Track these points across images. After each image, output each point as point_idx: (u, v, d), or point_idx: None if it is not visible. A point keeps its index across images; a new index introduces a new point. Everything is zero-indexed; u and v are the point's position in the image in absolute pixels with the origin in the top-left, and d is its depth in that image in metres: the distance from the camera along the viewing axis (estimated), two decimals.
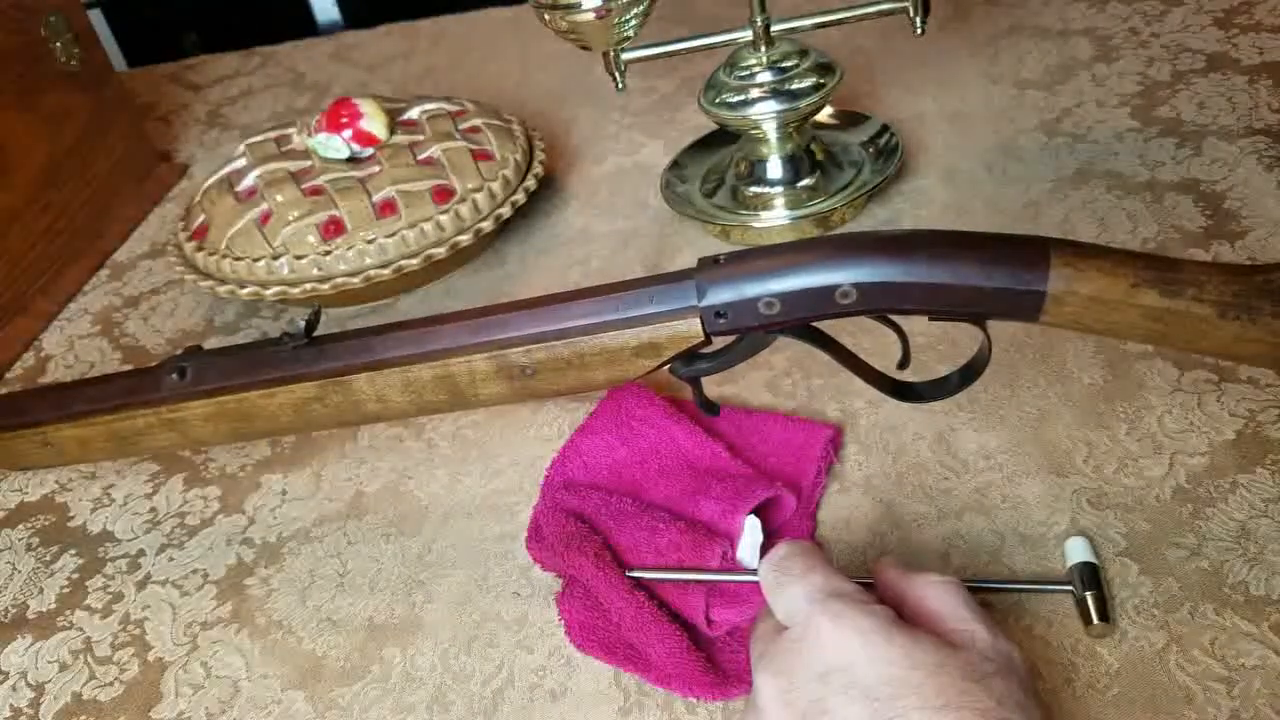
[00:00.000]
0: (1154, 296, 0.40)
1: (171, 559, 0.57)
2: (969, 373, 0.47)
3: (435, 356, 0.47)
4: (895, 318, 0.44)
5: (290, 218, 0.69)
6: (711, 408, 0.49)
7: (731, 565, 0.46)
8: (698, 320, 0.44)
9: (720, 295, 0.43)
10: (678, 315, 0.44)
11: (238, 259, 0.69)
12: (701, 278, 0.44)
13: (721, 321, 0.44)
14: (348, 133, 0.72)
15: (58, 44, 0.85)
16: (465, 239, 0.70)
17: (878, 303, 0.42)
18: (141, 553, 0.57)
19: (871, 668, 0.34)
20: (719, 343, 0.46)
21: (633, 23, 0.64)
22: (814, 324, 0.45)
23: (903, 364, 0.46)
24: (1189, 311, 0.40)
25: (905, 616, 0.37)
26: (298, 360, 0.50)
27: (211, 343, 0.73)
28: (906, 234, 0.42)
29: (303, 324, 0.50)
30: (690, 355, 0.46)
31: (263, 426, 0.51)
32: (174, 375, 0.51)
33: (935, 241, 0.41)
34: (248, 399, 0.50)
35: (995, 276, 0.41)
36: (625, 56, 0.68)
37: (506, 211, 0.72)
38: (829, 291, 0.42)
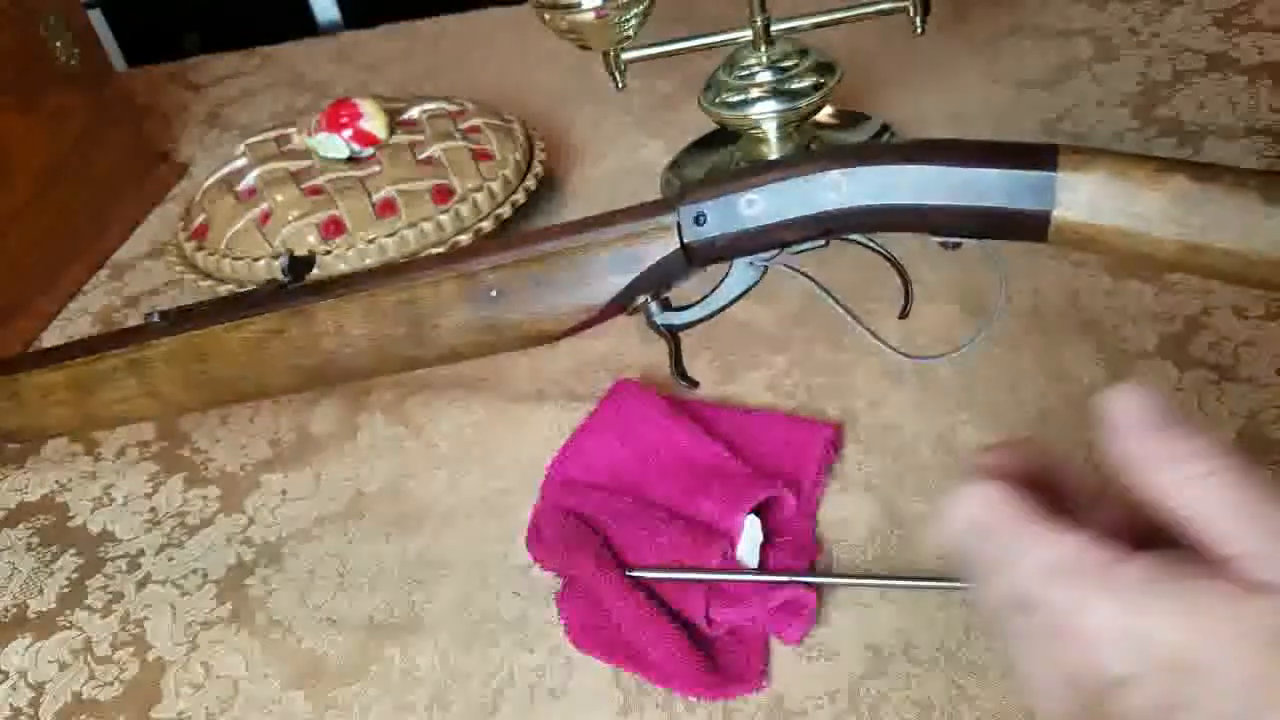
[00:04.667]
0: (1183, 180, 0.34)
1: (171, 559, 0.57)
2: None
3: (402, 281, 0.46)
4: (896, 256, 0.41)
5: (290, 217, 0.69)
6: (688, 379, 0.46)
7: (731, 565, 0.46)
8: (675, 225, 0.42)
9: (699, 200, 0.41)
10: (654, 223, 0.42)
11: (238, 259, 0.69)
12: (681, 192, 0.42)
13: (701, 228, 0.41)
14: (348, 133, 0.72)
15: (57, 44, 0.85)
16: (465, 239, 0.70)
17: (868, 197, 0.38)
18: (141, 552, 0.57)
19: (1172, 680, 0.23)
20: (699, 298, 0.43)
21: (633, 22, 0.64)
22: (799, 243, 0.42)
23: (904, 311, 0.43)
24: (1228, 200, 0.33)
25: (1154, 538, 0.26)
26: (275, 299, 0.48)
27: None
28: (900, 143, 0.40)
29: (287, 261, 0.49)
30: (666, 286, 0.43)
31: (219, 370, 0.49)
32: (155, 317, 0.51)
33: (931, 143, 0.38)
34: (211, 334, 0.49)
35: (998, 163, 0.36)
36: (625, 56, 0.68)
37: (506, 211, 0.72)
38: (816, 184, 0.39)
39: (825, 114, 0.76)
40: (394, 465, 0.59)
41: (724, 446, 0.52)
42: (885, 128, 0.74)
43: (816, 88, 0.67)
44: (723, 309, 0.43)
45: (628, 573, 0.47)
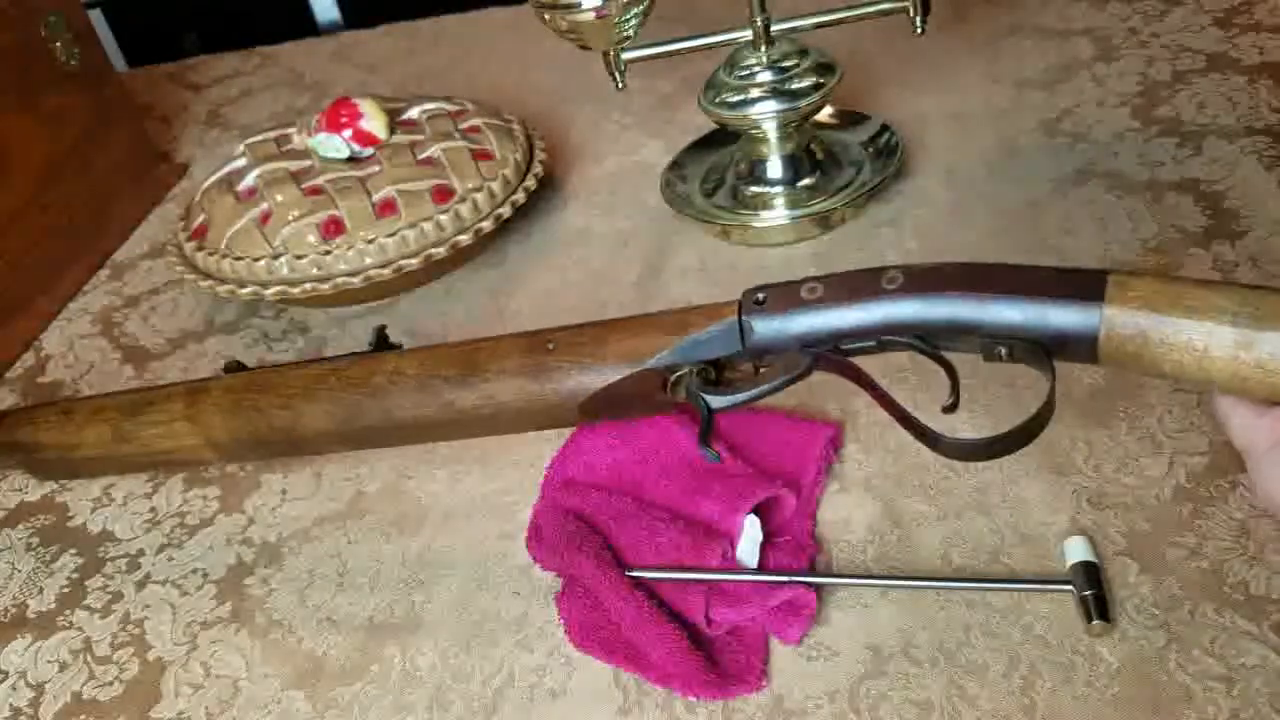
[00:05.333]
0: (1233, 302, 0.35)
1: (171, 559, 0.57)
2: (1014, 438, 0.40)
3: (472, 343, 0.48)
4: (947, 354, 0.41)
5: (290, 217, 0.69)
6: (713, 450, 0.43)
7: (731, 565, 0.46)
8: (736, 304, 0.43)
9: (765, 286, 0.42)
10: (715, 306, 0.43)
11: (238, 259, 0.69)
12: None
13: (759, 307, 0.42)
14: (348, 132, 0.72)
15: (58, 44, 0.85)
16: (465, 239, 0.70)
17: (923, 314, 0.40)
18: (141, 552, 0.57)
19: None
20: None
21: (633, 22, 0.64)
22: (852, 347, 0.42)
23: (950, 406, 0.41)
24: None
25: None
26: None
27: (211, 342, 0.74)
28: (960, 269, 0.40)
29: (374, 336, 0.51)
30: (714, 363, 0.44)
31: (267, 400, 0.49)
32: (224, 370, 0.53)
33: (987, 272, 0.40)
34: (279, 370, 0.50)
35: (1050, 291, 0.38)
36: (625, 56, 0.68)
37: (506, 211, 0.72)
38: (876, 275, 0.40)
39: (825, 114, 0.76)
40: (394, 465, 0.59)
41: (724, 446, 0.52)
42: (885, 128, 0.74)
43: (816, 88, 0.67)
44: (764, 395, 0.43)
45: (628, 573, 0.47)
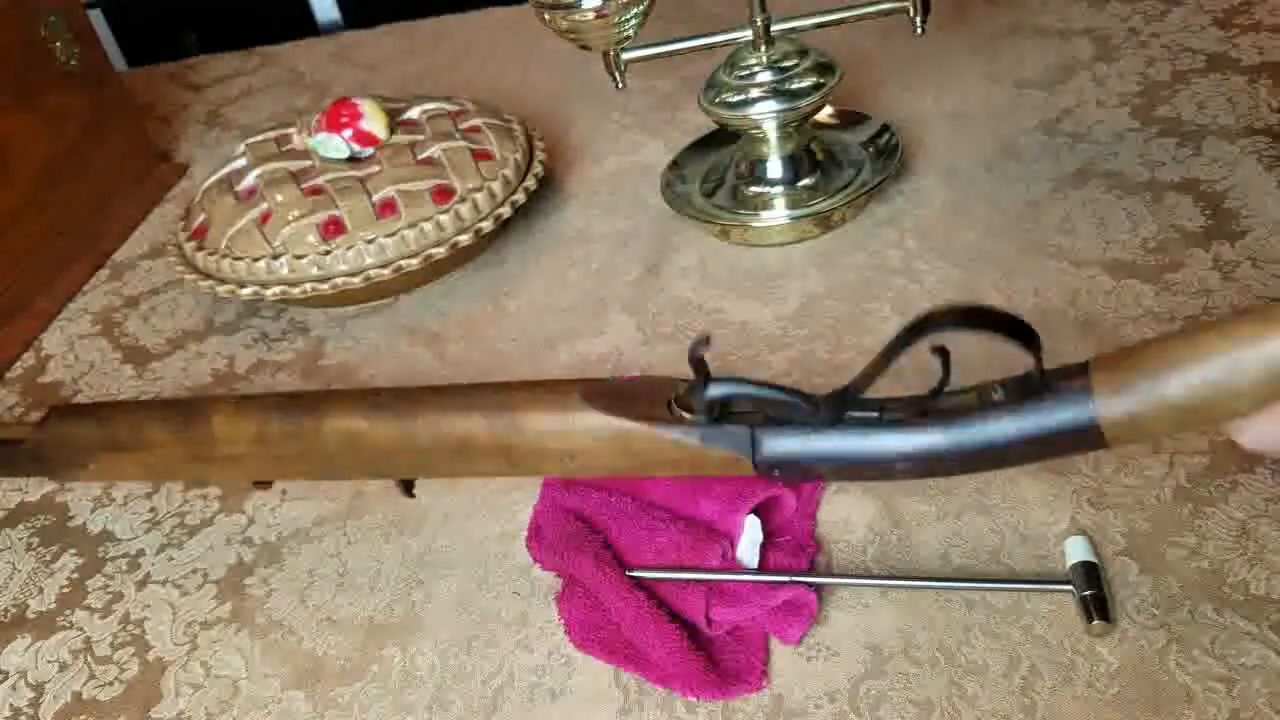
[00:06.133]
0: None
1: (171, 559, 0.57)
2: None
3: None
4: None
5: (290, 217, 0.69)
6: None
7: (731, 565, 0.46)
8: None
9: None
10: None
11: (238, 259, 0.69)
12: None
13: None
14: (348, 132, 0.72)
15: (58, 44, 0.85)
16: (465, 239, 0.70)
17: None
18: (141, 552, 0.57)
19: None
20: None
21: (632, 22, 0.64)
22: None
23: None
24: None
25: None
26: None
27: (211, 342, 0.74)
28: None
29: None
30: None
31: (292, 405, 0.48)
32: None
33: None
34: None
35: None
36: (625, 56, 0.68)
37: (506, 211, 0.72)
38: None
39: (825, 114, 0.76)
40: None
41: None
42: (885, 128, 0.74)
43: (816, 88, 0.67)
44: None
45: (628, 573, 0.47)
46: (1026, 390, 0.37)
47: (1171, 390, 0.34)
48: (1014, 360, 0.37)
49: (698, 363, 0.39)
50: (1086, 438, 0.37)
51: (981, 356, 0.40)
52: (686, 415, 0.41)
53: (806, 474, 0.41)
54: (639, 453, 0.42)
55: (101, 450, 0.51)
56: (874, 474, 0.40)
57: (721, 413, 0.41)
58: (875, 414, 0.39)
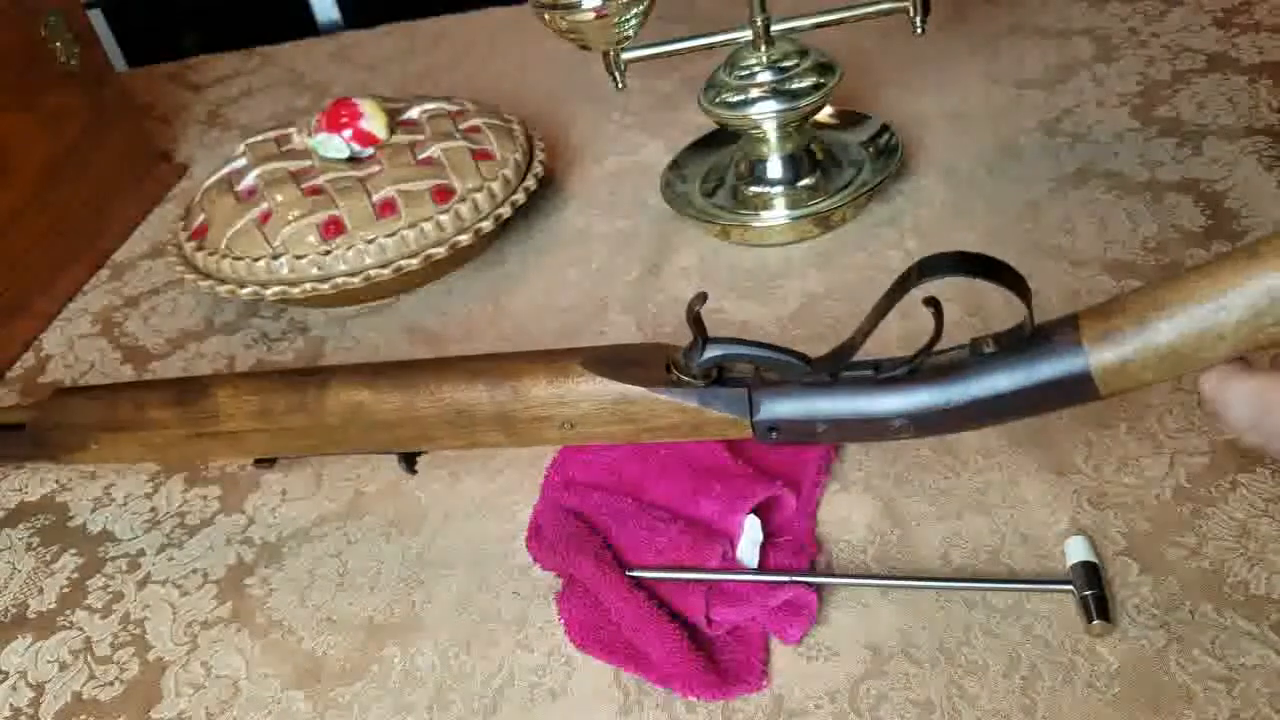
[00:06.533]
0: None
1: (171, 559, 0.57)
2: None
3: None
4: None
5: (290, 217, 0.69)
6: None
7: (731, 565, 0.46)
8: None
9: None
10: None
11: (238, 259, 0.69)
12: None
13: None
14: (348, 132, 0.72)
15: (58, 44, 0.85)
16: (465, 239, 0.70)
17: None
18: (141, 552, 0.57)
19: None
20: None
21: (632, 22, 0.64)
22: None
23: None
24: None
25: None
26: None
27: (211, 342, 0.74)
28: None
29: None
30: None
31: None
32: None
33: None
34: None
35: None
36: (625, 56, 0.68)
37: (506, 211, 0.72)
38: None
39: (825, 114, 0.76)
40: (394, 465, 0.59)
41: (724, 446, 0.52)
42: (885, 128, 0.74)
43: (816, 88, 0.67)
44: None
45: (628, 573, 0.47)
46: (1018, 342, 0.38)
47: (1161, 336, 0.35)
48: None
49: (695, 320, 0.40)
50: (1080, 388, 0.37)
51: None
52: (685, 378, 0.42)
53: (804, 434, 0.41)
54: (638, 417, 0.43)
55: (103, 430, 0.51)
56: (871, 432, 0.40)
57: (720, 375, 0.42)
58: (870, 372, 0.40)
